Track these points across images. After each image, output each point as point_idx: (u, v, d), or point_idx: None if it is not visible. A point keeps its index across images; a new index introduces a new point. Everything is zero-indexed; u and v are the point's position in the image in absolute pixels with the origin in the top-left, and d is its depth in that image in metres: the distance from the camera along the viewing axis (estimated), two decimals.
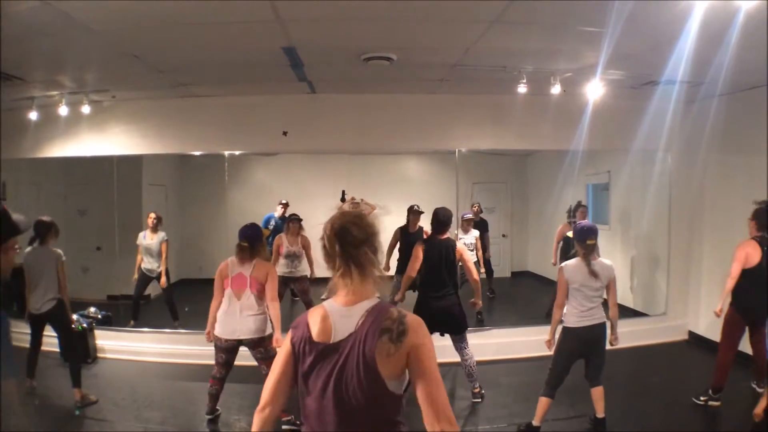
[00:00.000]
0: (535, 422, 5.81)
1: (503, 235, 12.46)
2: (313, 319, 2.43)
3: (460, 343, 6.85)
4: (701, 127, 8.59)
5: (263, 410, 2.50)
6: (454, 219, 7.15)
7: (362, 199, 11.28)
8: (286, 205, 10.40)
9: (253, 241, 5.99)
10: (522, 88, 7.27)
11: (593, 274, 5.54)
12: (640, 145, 8.67)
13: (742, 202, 7.18)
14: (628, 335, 8.78)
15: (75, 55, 6.38)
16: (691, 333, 9.19)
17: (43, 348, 7.41)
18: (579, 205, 10.10)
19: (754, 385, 6.88)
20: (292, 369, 2.46)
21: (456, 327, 6.79)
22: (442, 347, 8.38)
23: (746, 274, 6.36)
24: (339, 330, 2.35)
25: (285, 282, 8.93)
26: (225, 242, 9.60)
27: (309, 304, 9.07)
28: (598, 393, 5.83)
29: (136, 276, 9.48)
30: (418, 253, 6.79)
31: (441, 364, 7.06)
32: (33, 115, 8.35)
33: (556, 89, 7.21)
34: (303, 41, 6.02)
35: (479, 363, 7.06)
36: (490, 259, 10.70)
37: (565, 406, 6.48)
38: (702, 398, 6.61)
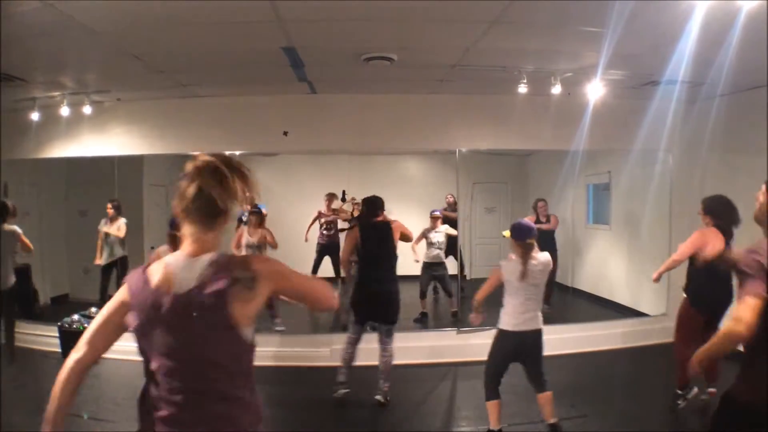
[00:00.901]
0: (493, 427, 5.60)
1: (504, 235, 12.48)
2: (152, 270, 2.31)
3: (387, 336, 6.70)
4: (702, 127, 8.56)
5: (78, 351, 2.38)
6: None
7: (363, 199, 11.31)
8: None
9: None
10: (522, 88, 7.29)
11: (524, 275, 5.25)
12: (641, 146, 8.64)
13: (743, 202, 7.16)
14: (628, 335, 8.85)
15: (76, 56, 6.39)
16: None
17: (45, 348, 7.44)
18: (538, 200, 10.13)
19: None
20: (120, 318, 2.33)
21: (390, 314, 6.69)
22: (439, 347, 8.44)
23: (705, 266, 5.91)
24: (181, 281, 2.24)
25: None
26: (225, 242, 9.61)
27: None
28: (543, 398, 5.55)
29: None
30: (355, 233, 6.74)
31: (440, 364, 7.04)
32: (34, 116, 8.37)
33: (556, 89, 7.22)
34: (303, 41, 6.03)
35: (476, 363, 7.07)
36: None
37: (565, 407, 6.48)
38: (678, 402, 6.36)
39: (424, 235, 10.00)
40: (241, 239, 9.01)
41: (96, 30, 5.35)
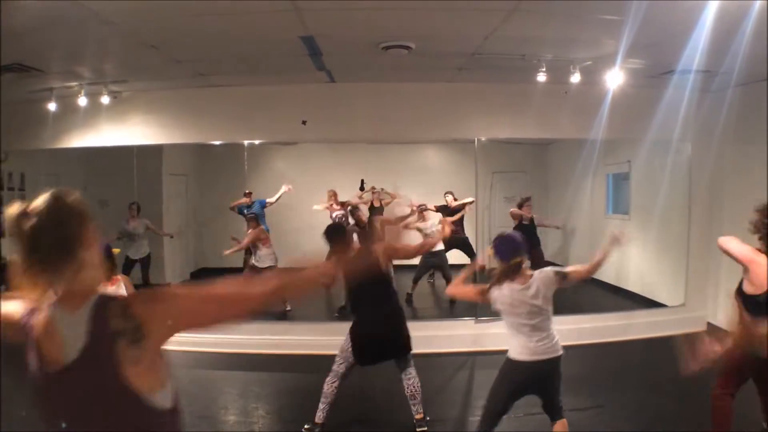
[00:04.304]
0: None
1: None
2: (39, 324, 1.82)
3: (405, 366, 5.70)
4: (716, 117, 8.52)
5: None
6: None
7: (382, 189, 11.32)
8: (249, 195, 10.60)
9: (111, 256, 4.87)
10: (541, 77, 7.25)
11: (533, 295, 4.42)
12: (660, 135, 8.58)
13: (760, 191, 7.11)
14: (646, 326, 8.80)
15: (93, 46, 6.39)
16: (709, 324, 9.12)
17: None
18: (526, 198, 10.34)
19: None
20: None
21: (402, 350, 5.67)
22: (457, 336, 8.43)
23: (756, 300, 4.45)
24: (69, 346, 1.75)
25: (256, 270, 9.52)
26: (245, 230, 9.66)
27: None
28: (560, 426, 4.69)
29: None
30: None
31: (452, 354, 6.90)
32: (52, 106, 8.38)
33: (575, 78, 7.18)
34: (321, 30, 6.02)
35: (494, 353, 7.05)
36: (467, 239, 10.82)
37: (583, 396, 6.46)
38: None
39: (417, 227, 10.20)
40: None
41: (113, 20, 5.37)
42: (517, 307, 4.43)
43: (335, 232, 5.76)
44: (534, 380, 4.55)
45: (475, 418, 6.15)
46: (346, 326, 6.83)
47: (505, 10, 5.34)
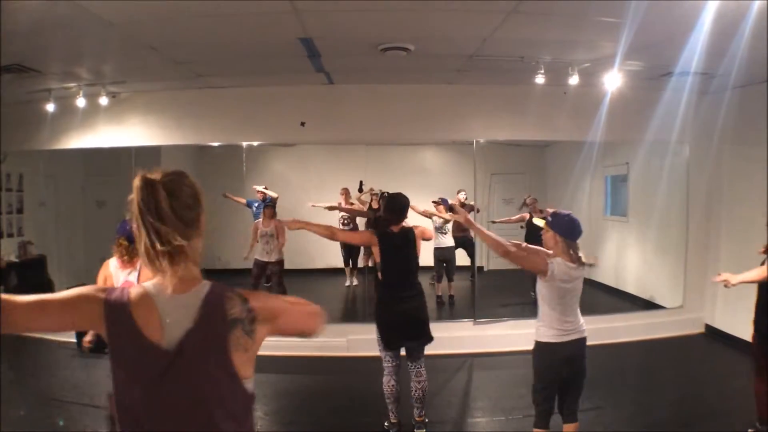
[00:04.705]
0: None
1: (521, 227, 12.45)
2: (136, 303, 1.89)
3: (418, 359, 5.75)
4: (714, 118, 8.52)
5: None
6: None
7: (380, 190, 11.32)
8: (264, 189, 10.55)
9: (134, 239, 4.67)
10: (540, 79, 7.26)
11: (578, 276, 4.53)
12: (658, 137, 8.58)
13: (759, 193, 7.11)
14: (644, 328, 8.82)
15: (92, 47, 6.39)
16: (707, 326, 9.12)
17: (61, 339, 7.47)
18: (531, 196, 10.49)
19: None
20: (73, 318, 1.93)
21: (424, 333, 5.73)
22: (456, 338, 8.42)
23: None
24: (172, 326, 1.85)
25: (262, 266, 9.39)
26: (244, 232, 9.65)
27: (279, 287, 9.47)
28: (572, 428, 4.75)
29: None
30: (373, 240, 5.65)
31: (456, 355, 6.92)
32: (50, 107, 8.38)
33: (574, 80, 7.17)
34: (320, 32, 6.02)
35: (499, 354, 7.04)
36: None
37: (582, 398, 6.45)
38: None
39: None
40: (258, 230, 9.37)
41: (112, 21, 5.36)
42: (566, 283, 4.49)
43: (398, 201, 5.70)
44: (563, 362, 4.61)
45: (474, 419, 6.20)
46: (346, 327, 6.83)
47: (504, 12, 5.34)
